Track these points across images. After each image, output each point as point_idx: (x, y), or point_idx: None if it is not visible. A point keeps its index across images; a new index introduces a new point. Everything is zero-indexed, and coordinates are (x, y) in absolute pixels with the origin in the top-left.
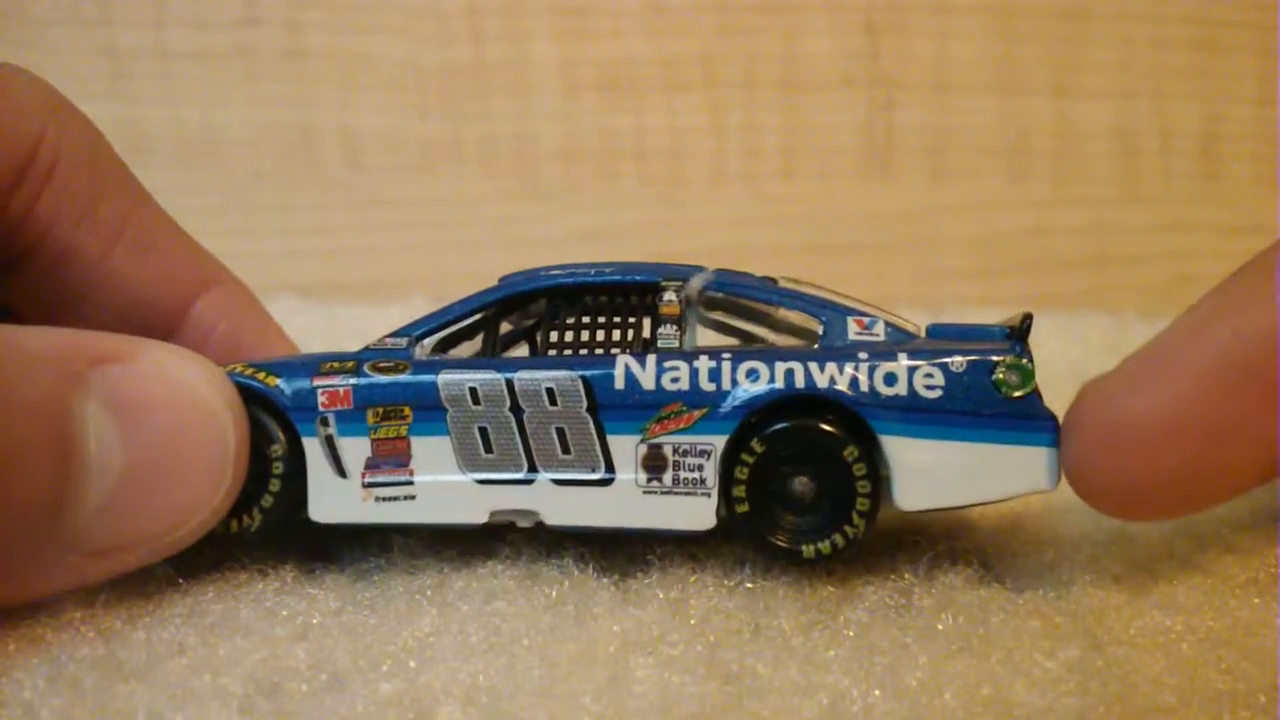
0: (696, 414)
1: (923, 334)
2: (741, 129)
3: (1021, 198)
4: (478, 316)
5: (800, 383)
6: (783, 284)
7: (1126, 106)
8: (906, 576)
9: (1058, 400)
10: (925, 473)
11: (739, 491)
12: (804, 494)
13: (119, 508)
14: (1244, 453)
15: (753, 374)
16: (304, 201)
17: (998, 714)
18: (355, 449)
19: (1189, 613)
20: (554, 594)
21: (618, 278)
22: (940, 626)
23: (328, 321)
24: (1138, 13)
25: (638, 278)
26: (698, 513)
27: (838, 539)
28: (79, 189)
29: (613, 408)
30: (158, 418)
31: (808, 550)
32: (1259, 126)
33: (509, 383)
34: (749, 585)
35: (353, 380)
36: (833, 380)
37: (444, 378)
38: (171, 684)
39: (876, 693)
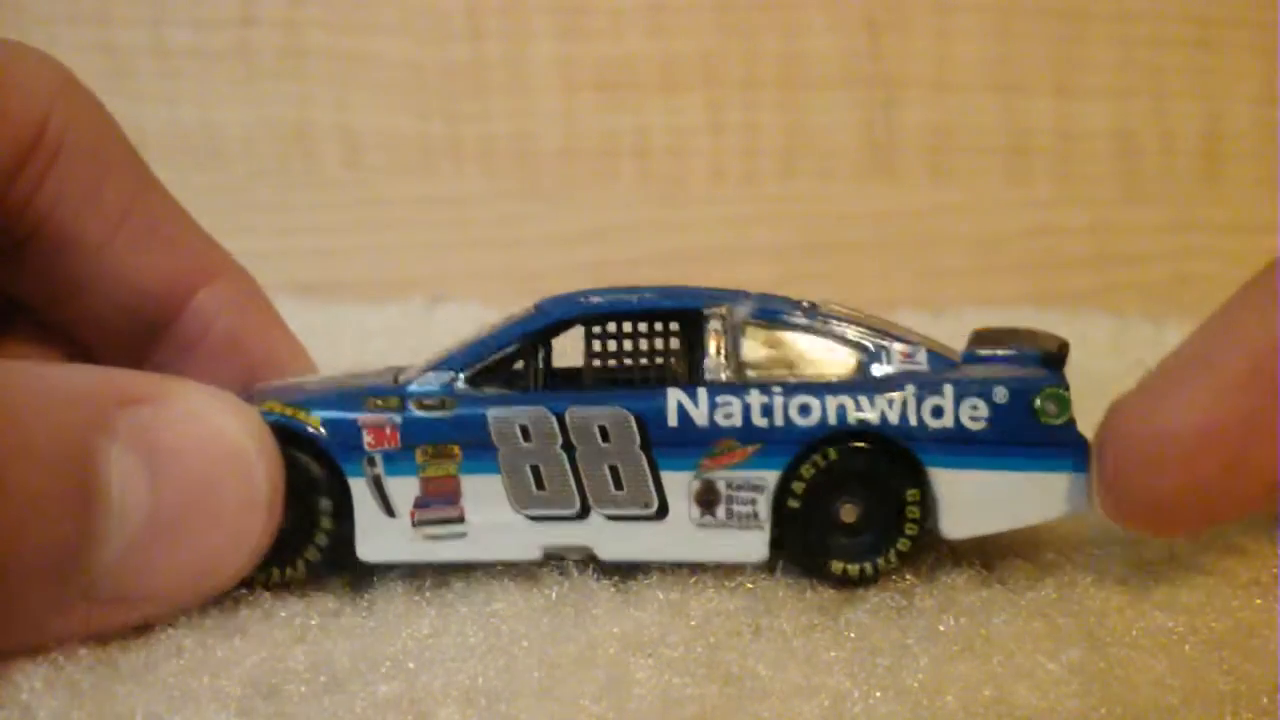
0: (750, 449)
1: (959, 359)
2: (741, 128)
3: (1023, 197)
4: (516, 346)
5: (852, 417)
6: (824, 309)
7: (1127, 106)
8: (908, 577)
9: None
10: (969, 502)
11: (793, 506)
12: (851, 521)
13: (139, 558)
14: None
15: (805, 409)
16: (302, 200)
17: (1000, 715)
18: (403, 488)
19: (1191, 614)
20: (553, 595)
21: (658, 304)
22: (942, 628)
23: (326, 321)
24: (1138, 11)
25: (679, 304)
26: (751, 545)
27: (868, 567)
28: (83, 173)
29: (665, 444)
30: (187, 464)
31: (836, 566)
32: (1260, 125)
33: (560, 419)
34: (749, 586)
35: (399, 418)
36: (884, 414)
37: (493, 414)
38: (169, 685)
39: (878, 694)
